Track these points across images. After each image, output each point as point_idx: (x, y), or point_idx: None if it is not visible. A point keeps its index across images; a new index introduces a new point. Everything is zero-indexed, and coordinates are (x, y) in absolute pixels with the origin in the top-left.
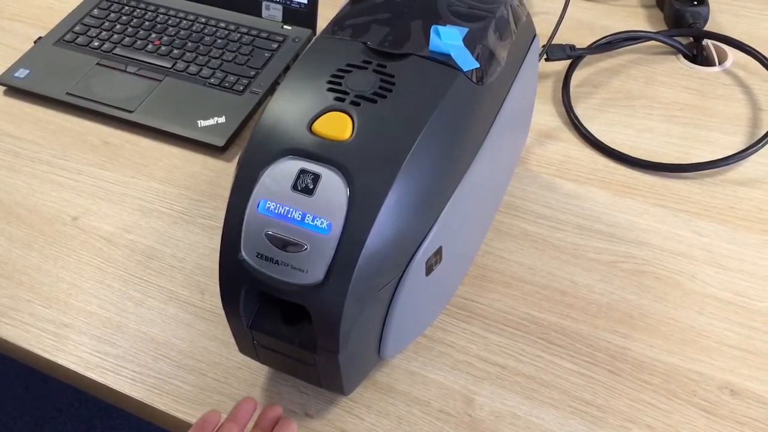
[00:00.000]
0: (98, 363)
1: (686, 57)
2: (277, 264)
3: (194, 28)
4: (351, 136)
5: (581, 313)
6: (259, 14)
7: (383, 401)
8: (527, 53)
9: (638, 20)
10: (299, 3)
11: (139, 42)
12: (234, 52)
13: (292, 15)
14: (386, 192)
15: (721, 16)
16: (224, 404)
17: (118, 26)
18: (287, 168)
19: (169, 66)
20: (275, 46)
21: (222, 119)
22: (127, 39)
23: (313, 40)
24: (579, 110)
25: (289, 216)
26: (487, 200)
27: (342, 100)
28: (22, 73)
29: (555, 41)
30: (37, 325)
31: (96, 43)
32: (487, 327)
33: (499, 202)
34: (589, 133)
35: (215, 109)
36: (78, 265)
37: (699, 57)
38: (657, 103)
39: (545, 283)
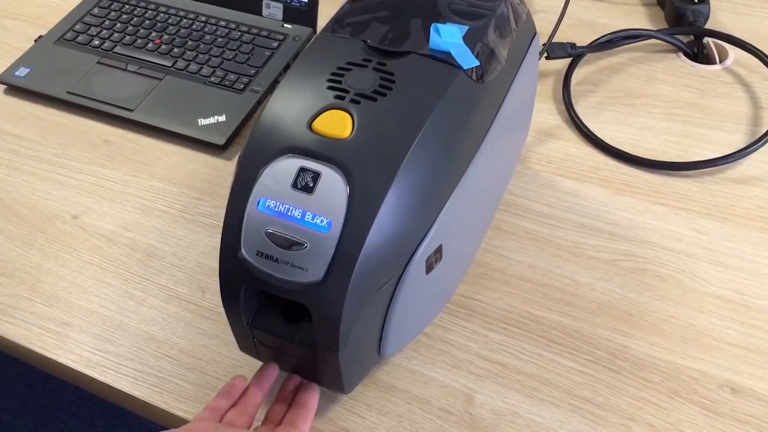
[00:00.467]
0: (99, 361)
1: (687, 55)
2: (277, 262)
3: (194, 26)
4: (351, 134)
5: (582, 312)
6: (259, 13)
7: (384, 399)
8: (527, 51)
9: (639, 18)
10: (299, 1)
11: (139, 41)
12: (234, 50)
13: (292, 13)
14: (386, 190)
15: (722, 14)
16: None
17: (118, 25)
18: (287, 166)
19: (170, 65)
20: (275, 44)
21: (222, 118)
22: (127, 38)
23: (314, 38)
24: (579, 108)
25: (289, 214)
26: (488, 198)
27: (342, 98)
28: (22, 71)
29: (555, 39)
30: (37, 324)
31: (96, 42)
32: (488, 325)
33: (499, 201)
34: (590, 131)
35: (215, 107)
36: (78, 263)
37: (700, 55)
38: (657, 102)
39: (545, 282)
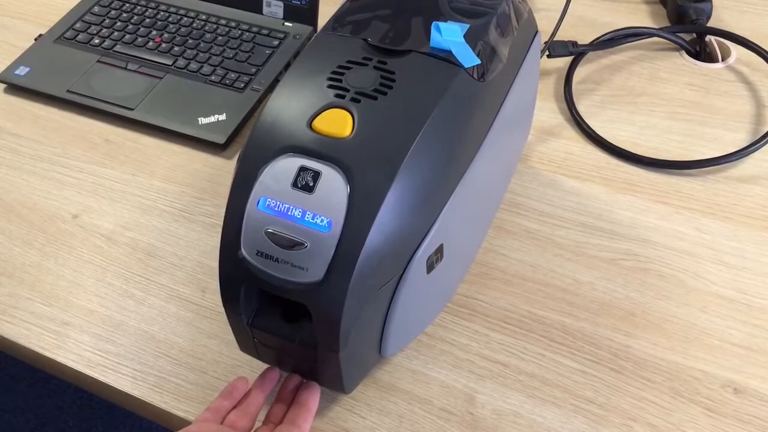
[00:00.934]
0: (99, 361)
1: (689, 53)
2: (277, 262)
3: (195, 25)
4: (351, 133)
5: (583, 311)
6: (260, 11)
7: (384, 400)
8: (529, 50)
9: (641, 16)
10: (300, 0)
11: (139, 39)
12: (235, 49)
13: (292, 12)
14: (387, 189)
15: (725, 12)
16: None
17: (118, 24)
18: (287, 165)
19: (170, 63)
20: (276, 43)
21: (223, 116)
22: (127, 36)
23: (314, 37)
24: (581, 107)
25: (289, 214)
26: (489, 197)
27: (342, 97)
28: (22, 70)
29: (557, 38)
30: (37, 323)
31: (96, 41)
32: (489, 325)
33: (500, 200)
34: (592, 130)
35: (216, 106)
36: (78, 263)
37: (702, 53)
38: (659, 100)
39: (547, 281)
